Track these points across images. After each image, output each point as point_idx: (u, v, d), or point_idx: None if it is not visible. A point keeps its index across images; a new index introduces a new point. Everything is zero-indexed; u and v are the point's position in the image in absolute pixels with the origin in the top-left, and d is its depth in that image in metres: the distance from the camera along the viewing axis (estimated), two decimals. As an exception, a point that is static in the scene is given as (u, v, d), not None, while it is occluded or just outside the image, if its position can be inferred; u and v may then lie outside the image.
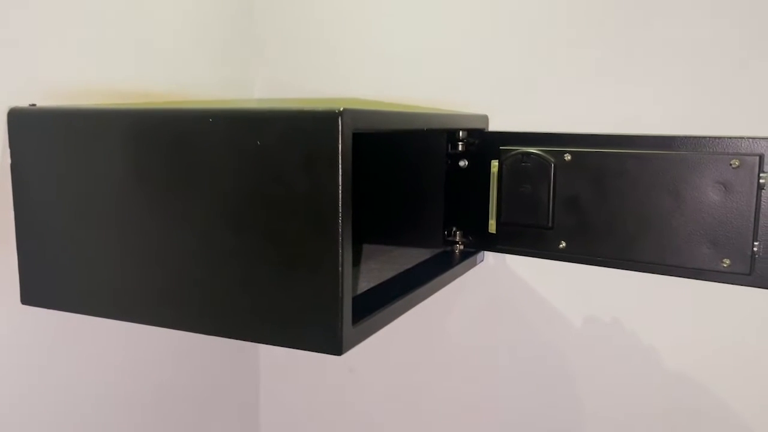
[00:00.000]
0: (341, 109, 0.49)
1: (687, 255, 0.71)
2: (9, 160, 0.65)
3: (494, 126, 0.87)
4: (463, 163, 0.86)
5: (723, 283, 0.71)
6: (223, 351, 1.01)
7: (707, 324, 0.78)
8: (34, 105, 0.66)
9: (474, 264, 0.88)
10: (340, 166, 0.50)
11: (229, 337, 0.57)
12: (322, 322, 0.52)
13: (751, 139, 0.68)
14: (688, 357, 0.80)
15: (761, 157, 0.67)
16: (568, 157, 0.77)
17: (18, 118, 0.64)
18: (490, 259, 0.90)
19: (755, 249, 0.68)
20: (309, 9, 0.98)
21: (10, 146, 0.65)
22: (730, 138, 0.69)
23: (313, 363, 1.06)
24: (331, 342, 0.52)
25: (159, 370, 0.88)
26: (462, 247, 0.88)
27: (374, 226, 0.93)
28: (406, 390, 0.99)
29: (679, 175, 0.71)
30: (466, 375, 0.95)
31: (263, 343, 0.56)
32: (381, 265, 0.79)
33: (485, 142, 0.84)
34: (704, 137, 0.71)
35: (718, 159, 0.69)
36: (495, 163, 0.82)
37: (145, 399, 0.86)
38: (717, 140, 0.70)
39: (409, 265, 0.79)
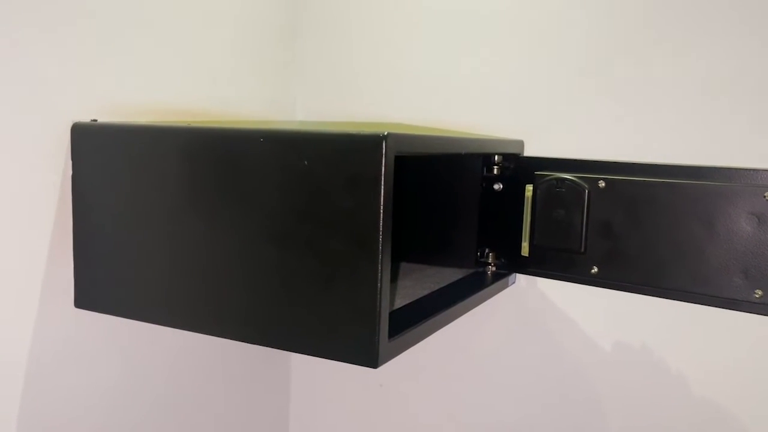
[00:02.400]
0: (386, 133, 0.52)
1: (719, 285, 0.72)
2: (71, 172, 0.69)
3: (529, 151, 0.89)
4: (497, 186, 0.88)
5: (755, 313, 0.71)
6: (255, 364, 1.04)
7: (737, 354, 0.79)
8: (95, 120, 0.71)
9: (506, 286, 0.89)
10: (382, 187, 0.52)
11: (270, 347, 0.60)
12: (360, 335, 0.54)
13: (785, 172, 0.69)
14: (718, 386, 0.80)
15: (795, 190, 0.68)
16: (602, 184, 0.78)
17: (80, 132, 0.69)
18: (521, 281, 0.92)
19: (788, 281, 0.69)
20: (350, 34, 1.02)
21: (72, 158, 0.69)
22: (764, 170, 0.70)
23: (344, 376, 1.08)
24: (368, 355, 0.54)
25: (197, 374, 0.91)
26: (494, 268, 0.90)
27: (409, 244, 0.95)
28: (434, 408, 1.01)
29: (712, 205, 0.72)
30: (494, 396, 0.96)
31: (302, 353, 0.58)
32: (415, 283, 0.81)
33: (520, 167, 0.86)
34: (739, 169, 0.72)
35: (753, 191, 0.70)
36: (529, 188, 0.84)
37: (183, 402, 0.90)
38: (752, 172, 0.71)
39: (443, 284, 0.81)
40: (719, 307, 0.73)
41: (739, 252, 0.71)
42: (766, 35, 0.75)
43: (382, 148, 0.52)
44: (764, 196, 0.69)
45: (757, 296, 0.70)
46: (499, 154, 0.87)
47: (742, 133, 0.77)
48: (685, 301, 0.75)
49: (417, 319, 0.64)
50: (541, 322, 0.91)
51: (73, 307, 0.71)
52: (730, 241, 0.71)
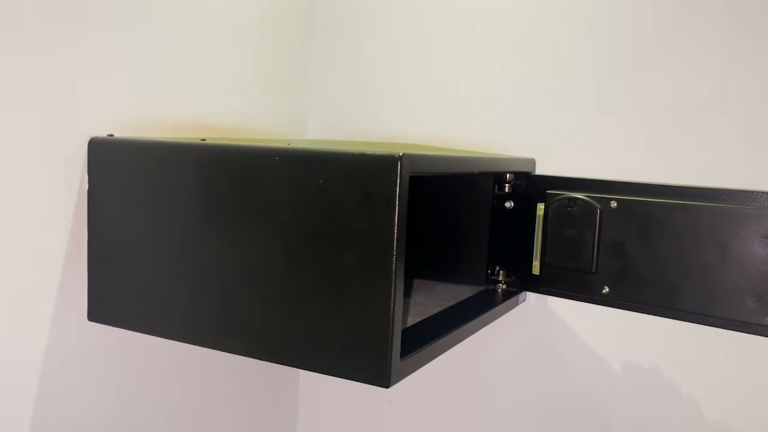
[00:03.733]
0: (401, 153, 0.53)
1: (731, 307, 0.72)
2: (87, 186, 0.70)
3: (541, 170, 0.90)
4: (509, 204, 0.88)
5: (766, 337, 0.71)
6: (264, 379, 1.04)
7: (749, 377, 0.78)
8: (111, 135, 0.72)
9: (516, 304, 0.89)
10: (397, 206, 0.53)
11: (282, 364, 0.60)
12: (372, 354, 0.54)
13: (799, 196, 0.69)
14: (728, 409, 0.80)
15: (809, 214, 0.68)
16: (614, 204, 0.79)
17: (97, 147, 0.70)
18: (532, 299, 0.92)
19: (801, 305, 0.68)
20: (363, 49, 1.03)
21: (89, 172, 0.70)
22: (778, 194, 0.70)
23: (351, 393, 1.08)
24: (380, 374, 0.54)
25: (206, 388, 0.92)
26: (505, 286, 0.90)
27: (421, 260, 0.95)
28: (443, 425, 1.00)
29: (725, 227, 0.72)
30: (503, 414, 0.95)
31: (314, 371, 0.58)
32: (426, 300, 0.81)
33: (532, 185, 0.86)
34: (752, 191, 0.72)
35: (766, 214, 0.70)
36: (541, 206, 0.84)
37: (192, 416, 0.90)
38: (765, 195, 0.71)
39: (454, 302, 0.81)
40: (731, 329, 0.73)
41: (751, 275, 0.71)
42: (780, 58, 0.75)
43: (397, 168, 0.52)
44: (777, 220, 0.69)
45: (769, 320, 0.70)
46: (510, 173, 0.87)
47: (757, 155, 0.77)
48: (696, 323, 0.75)
49: (429, 338, 0.64)
50: (551, 340, 0.91)
51: (87, 320, 0.71)
52: (742, 264, 0.71)
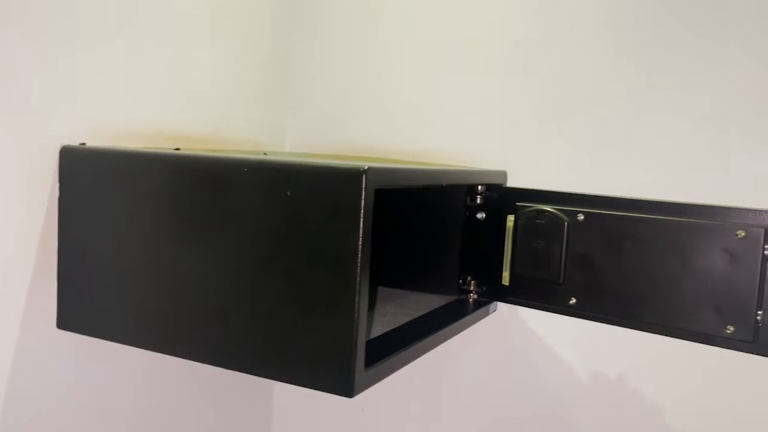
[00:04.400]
0: (366, 167, 0.54)
1: (693, 319, 0.74)
2: (57, 194, 0.70)
3: (513, 181, 0.91)
4: (480, 215, 0.90)
5: (727, 348, 0.72)
6: (239, 386, 1.04)
7: (710, 387, 0.80)
8: (83, 144, 0.72)
9: (487, 314, 0.90)
10: (362, 219, 0.54)
11: (247, 373, 0.61)
12: (336, 364, 0.55)
13: (757, 211, 0.71)
14: (690, 418, 0.81)
15: (767, 229, 0.70)
16: (581, 216, 0.80)
17: (68, 155, 0.70)
18: (503, 309, 0.93)
19: (758, 318, 0.70)
20: (342, 64, 1.04)
21: (60, 180, 0.70)
22: (737, 209, 0.72)
23: (326, 401, 1.09)
24: (344, 384, 0.55)
25: (178, 401, 0.92)
26: (476, 296, 0.91)
27: (393, 270, 0.96)
28: (413, 427, 1.02)
29: (687, 241, 0.74)
30: (473, 423, 0.96)
31: (278, 380, 0.59)
32: (396, 309, 0.82)
33: (503, 197, 0.88)
34: (713, 206, 0.74)
35: (725, 229, 0.72)
36: (511, 218, 0.86)
37: (164, 427, 0.90)
38: (725, 210, 0.73)
39: (424, 312, 0.82)
40: (693, 341, 0.75)
41: (712, 288, 0.72)
42: (744, 73, 0.77)
43: (362, 181, 0.54)
44: (736, 234, 0.71)
45: (728, 332, 0.71)
46: (482, 184, 0.89)
47: (720, 171, 0.79)
48: (660, 334, 0.77)
49: (395, 348, 0.65)
50: (521, 350, 0.92)
51: (56, 328, 0.71)
52: (704, 278, 0.73)
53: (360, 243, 0.54)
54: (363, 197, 0.54)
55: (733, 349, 0.72)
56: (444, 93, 0.97)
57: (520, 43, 0.91)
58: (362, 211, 0.53)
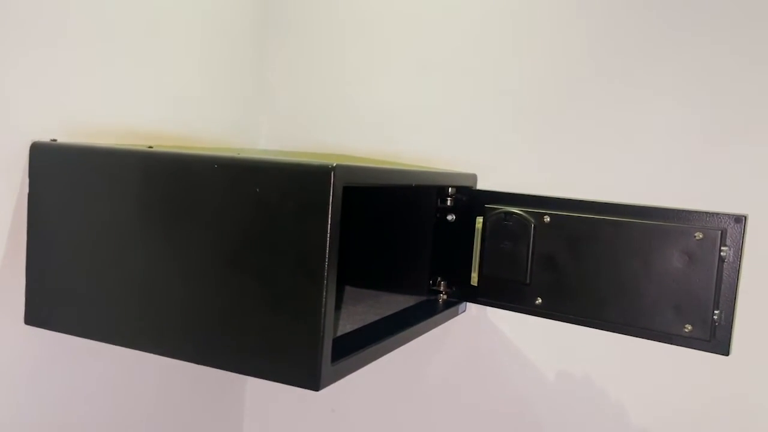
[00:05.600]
0: (334, 165, 0.55)
1: (653, 319, 0.76)
2: (27, 190, 0.70)
3: (483, 184, 0.93)
4: (451, 217, 0.91)
5: (685, 347, 0.75)
6: (209, 389, 1.04)
7: (671, 385, 0.82)
8: (54, 140, 0.72)
9: (456, 314, 0.92)
10: (329, 217, 0.55)
11: (216, 367, 0.61)
12: (303, 358, 0.56)
13: (714, 214, 0.73)
14: (654, 416, 0.84)
15: (723, 231, 0.72)
16: (547, 218, 0.82)
17: (39, 152, 0.70)
18: (472, 310, 0.94)
19: (715, 317, 0.73)
20: (315, 65, 1.05)
21: (30, 177, 0.70)
22: (696, 212, 0.75)
23: (298, 401, 1.09)
24: (311, 378, 0.56)
25: (149, 396, 0.92)
26: (445, 296, 0.92)
27: (364, 270, 0.97)
28: (383, 427, 1.02)
29: (648, 242, 0.76)
30: (443, 422, 0.98)
31: (247, 374, 0.60)
32: (366, 309, 0.83)
33: (472, 199, 0.90)
34: (673, 209, 0.76)
35: (684, 231, 0.74)
36: (480, 220, 0.87)
37: (134, 423, 0.89)
38: (684, 213, 0.75)
39: (393, 311, 0.83)
40: (653, 340, 0.77)
41: (671, 288, 0.75)
42: (703, 85, 0.80)
43: (330, 178, 0.55)
44: (694, 236, 0.73)
45: (686, 331, 0.74)
46: (453, 187, 0.91)
47: (678, 175, 0.81)
48: (622, 333, 0.79)
49: (362, 344, 0.66)
50: (489, 349, 0.94)
51: (23, 323, 0.71)
52: (663, 278, 0.75)
53: (328, 239, 0.55)
54: (331, 194, 0.55)
55: (691, 347, 0.75)
56: (416, 98, 0.98)
57: (490, 48, 0.93)
58: (330, 208, 0.55)
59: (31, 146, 0.70)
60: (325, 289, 0.55)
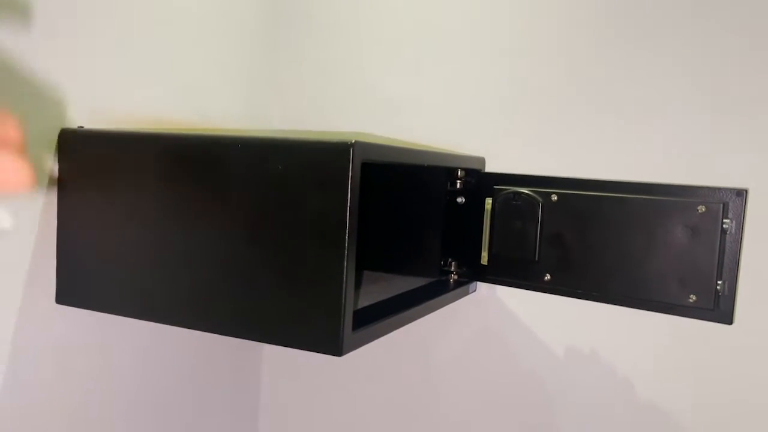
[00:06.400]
0: (353, 141, 0.58)
1: (658, 290, 0.79)
2: (56, 175, 0.73)
3: (491, 167, 0.96)
4: (460, 199, 0.94)
5: (690, 317, 0.78)
6: (229, 357, 1.07)
7: (677, 355, 0.85)
8: (81, 127, 0.75)
9: (466, 293, 0.95)
10: (349, 190, 0.58)
11: (242, 337, 0.64)
12: (326, 325, 0.59)
13: (716, 189, 0.76)
14: (661, 388, 0.86)
15: (725, 204, 0.75)
16: (554, 197, 0.85)
17: (67, 138, 0.73)
18: (482, 289, 0.97)
19: (718, 287, 0.75)
20: (327, 51, 1.08)
21: (59, 162, 0.73)
22: (698, 187, 0.77)
23: (312, 378, 1.12)
24: (333, 344, 0.59)
25: (173, 369, 0.95)
26: (456, 277, 0.95)
27: (377, 255, 1.00)
28: (395, 409, 1.05)
29: (652, 217, 0.79)
30: (453, 398, 1.01)
31: (271, 343, 0.63)
32: (381, 289, 0.86)
33: (481, 182, 0.92)
34: (675, 185, 0.79)
35: (687, 205, 0.77)
36: (489, 201, 0.90)
37: (155, 394, 0.93)
38: (686, 188, 0.78)
39: (406, 290, 0.86)
40: (659, 311, 0.80)
41: (675, 261, 0.77)
42: (712, 57, 0.83)
43: (349, 154, 0.58)
44: (697, 210, 0.76)
45: (691, 301, 0.77)
46: (462, 169, 0.93)
47: (682, 151, 0.84)
48: (628, 306, 0.82)
49: (380, 315, 0.69)
50: (498, 328, 0.97)
51: (54, 303, 0.74)
52: (667, 251, 0.78)
53: (348, 210, 0.58)
54: (351, 169, 0.58)
55: (695, 317, 0.77)
56: (425, 83, 1.01)
57: (495, 33, 0.96)
58: (350, 181, 0.58)
59: (59, 133, 0.73)
60: (346, 258, 0.58)
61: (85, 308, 0.73)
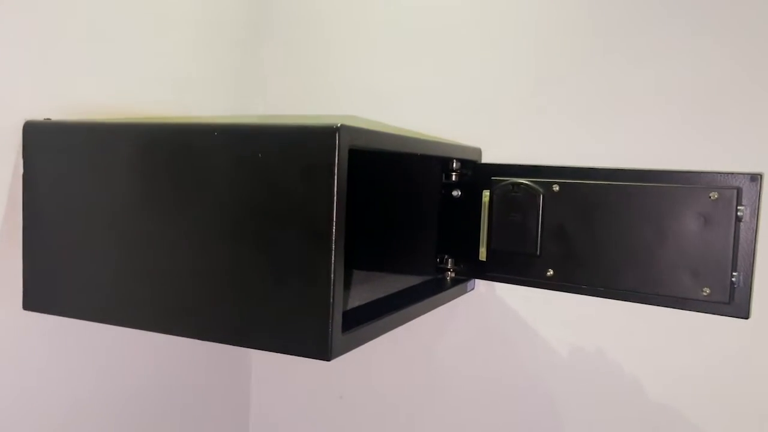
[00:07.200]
0: (339, 125, 0.53)
1: (669, 284, 0.74)
2: (21, 170, 0.68)
3: (487, 158, 0.91)
4: (456, 193, 0.89)
5: (704, 312, 0.73)
6: (214, 363, 1.02)
7: (688, 353, 0.80)
8: (48, 119, 0.70)
9: (464, 291, 0.90)
10: (336, 177, 0.53)
11: (224, 343, 0.59)
12: (313, 327, 0.54)
13: (729, 174, 0.71)
14: (671, 385, 0.82)
15: (739, 190, 0.70)
16: (556, 188, 0.80)
17: (33, 131, 0.68)
18: (481, 287, 0.92)
19: (734, 279, 0.71)
20: (313, 43, 1.03)
21: (24, 157, 0.68)
22: (709, 172, 0.73)
23: (303, 388, 1.07)
24: (321, 348, 0.54)
25: (153, 376, 0.89)
26: (453, 274, 0.90)
27: (370, 253, 0.95)
28: (393, 413, 1.00)
29: (661, 207, 0.74)
30: (452, 401, 0.96)
31: (256, 348, 0.58)
32: (373, 288, 0.81)
33: (478, 173, 0.88)
34: (685, 171, 0.74)
35: (698, 192, 0.72)
36: (486, 193, 0.85)
37: (140, 403, 0.87)
38: (697, 174, 0.73)
39: (400, 288, 0.81)
40: (670, 306, 0.75)
41: (687, 252, 0.73)
42: (715, 45, 0.78)
43: (335, 138, 0.53)
44: (709, 197, 0.71)
45: (705, 294, 0.72)
46: (457, 160, 0.89)
47: (690, 137, 0.80)
48: (637, 302, 0.77)
49: (371, 316, 0.64)
50: (499, 327, 0.92)
51: (21, 309, 0.69)
52: (678, 242, 0.73)
53: (335, 201, 0.53)
54: (337, 155, 0.53)
55: (709, 311, 0.73)
56: (417, 73, 0.96)
57: (491, 20, 0.91)
58: (337, 169, 0.53)
59: (24, 125, 0.68)
60: (333, 254, 0.53)
61: (55, 314, 0.68)
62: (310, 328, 0.54)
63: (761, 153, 0.75)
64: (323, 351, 0.54)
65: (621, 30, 0.83)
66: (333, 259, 0.53)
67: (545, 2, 0.88)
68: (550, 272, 0.81)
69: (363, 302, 0.72)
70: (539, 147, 0.88)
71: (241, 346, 0.59)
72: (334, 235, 0.53)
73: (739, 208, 0.70)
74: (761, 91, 0.76)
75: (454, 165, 0.89)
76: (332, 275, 0.53)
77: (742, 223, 0.70)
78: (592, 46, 0.85)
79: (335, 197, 0.53)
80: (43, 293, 0.68)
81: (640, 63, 0.82)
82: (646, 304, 0.76)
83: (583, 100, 0.86)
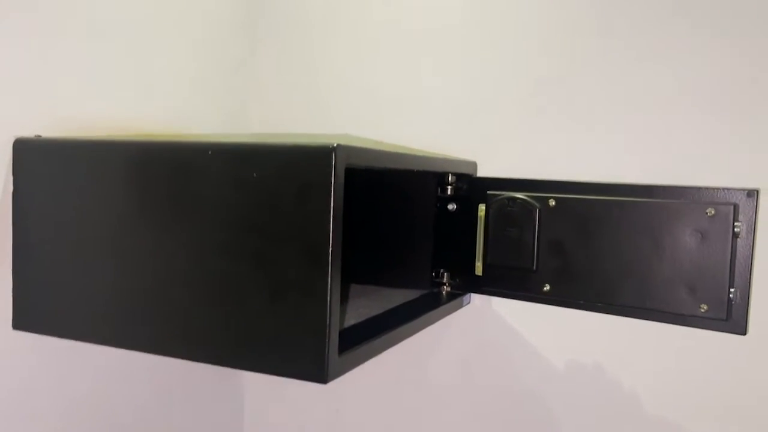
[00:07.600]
0: (335, 144, 0.52)
1: (666, 300, 0.74)
2: (11, 188, 0.67)
3: (483, 172, 0.90)
4: (451, 206, 0.89)
5: (701, 328, 0.72)
6: (207, 385, 1.01)
7: (685, 368, 0.80)
8: (39, 136, 0.69)
9: (460, 305, 0.89)
10: (332, 197, 0.52)
11: (217, 365, 0.58)
12: (309, 350, 0.53)
13: (726, 189, 0.71)
14: (669, 401, 0.81)
15: (735, 206, 0.70)
16: (552, 202, 0.80)
17: (23, 148, 0.67)
18: (476, 301, 0.92)
19: (731, 295, 0.70)
20: (307, 55, 1.02)
21: (14, 174, 0.67)
22: (706, 188, 0.72)
23: (299, 402, 1.06)
24: (318, 370, 0.53)
25: (146, 396, 0.88)
26: (449, 288, 0.90)
27: (365, 267, 0.94)
28: (388, 428, 0.99)
29: (658, 222, 0.74)
30: (448, 416, 0.95)
31: (250, 370, 0.57)
32: (370, 303, 0.80)
33: (473, 187, 0.87)
34: (682, 187, 0.74)
35: (695, 208, 0.72)
36: (482, 207, 0.85)
37: (132, 424, 0.86)
38: (694, 190, 0.73)
39: (396, 305, 0.81)
40: (667, 322, 0.74)
41: (684, 268, 0.72)
42: (716, 55, 0.78)
43: (332, 158, 0.52)
44: (706, 213, 0.71)
45: (702, 310, 0.71)
46: (453, 174, 0.88)
47: (688, 152, 0.79)
48: (634, 317, 0.76)
49: (368, 335, 0.63)
50: (495, 342, 0.91)
51: (11, 329, 0.67)
52: (675, 257, 0.73)
53: (331, 221, 0.52)
54: (333, 175, 0.52)
55: (707, 328, 0.72)
56: (411, 85, 0.96)
57: (487, 32, 0.91)
58: (333, 189, 0.52)
59: (14, 143, 0.67)
60: (330, 276, 0.52)
61: (45, 334, 0.67)
62: (306, 350, 0.54)
63: (758, 167, 0.75)
64: (320, 374, 0.53)
65: (616, 40, 0.83)
66: (329, 280, 0.53)
67: (543, 14, 0.88)
68: (547, 287, 0.81)
69: (359, 319, 0.71)
70: (535, 160, 0.88)
71: (234, 368, 0.58)
72: (330, 256, 0.52)
73: (736, 224, 0.70)
74: (758, 104, 0.76)
75: (450, 178, 0.88)
76: (329, 296, 0.53)
77: (739, 239, 0.70)
78: (587, 56, 0.85)
79: (332, 217, 0.52)
80: (33, 312, 0.67)
81: (640, 72, 0.82)
82: (643, 319, 0.76)
83: (581, 112, 0.85)
